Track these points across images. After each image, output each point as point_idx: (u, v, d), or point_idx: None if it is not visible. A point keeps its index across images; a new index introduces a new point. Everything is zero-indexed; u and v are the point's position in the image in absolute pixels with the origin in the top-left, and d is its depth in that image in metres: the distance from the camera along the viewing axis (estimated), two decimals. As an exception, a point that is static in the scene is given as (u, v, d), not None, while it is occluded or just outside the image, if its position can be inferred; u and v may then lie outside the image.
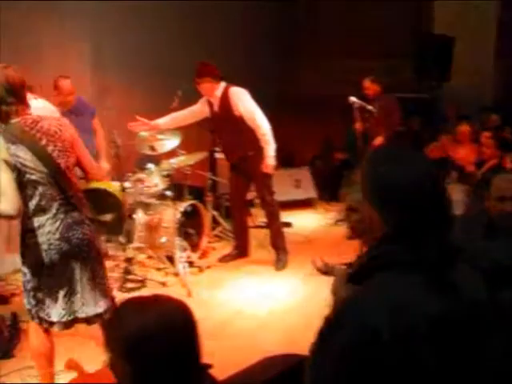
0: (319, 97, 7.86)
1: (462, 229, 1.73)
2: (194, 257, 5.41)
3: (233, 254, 5.60)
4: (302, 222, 6.84)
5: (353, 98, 5.74)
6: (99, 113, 5.40)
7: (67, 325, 3.01)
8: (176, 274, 5.08)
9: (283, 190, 7.17)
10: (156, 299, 1.57)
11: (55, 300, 2.93)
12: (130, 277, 5.00)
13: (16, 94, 2.76)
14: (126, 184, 5.10)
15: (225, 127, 5.17)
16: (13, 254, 4.47)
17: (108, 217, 3.11)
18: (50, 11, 5.40)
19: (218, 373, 1.67)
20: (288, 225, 6.55)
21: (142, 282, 4.98)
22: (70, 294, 2.95)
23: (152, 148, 5.23)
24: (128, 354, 1.46)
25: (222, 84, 5.08)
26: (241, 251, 5.59)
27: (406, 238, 1.36)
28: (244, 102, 5.05)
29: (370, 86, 6.48)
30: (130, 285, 4.91)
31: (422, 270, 1.34)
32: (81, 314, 2.98)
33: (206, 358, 1.59)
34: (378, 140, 6.25)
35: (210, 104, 5.18)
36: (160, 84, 6.28)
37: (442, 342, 1.30)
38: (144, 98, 6.41)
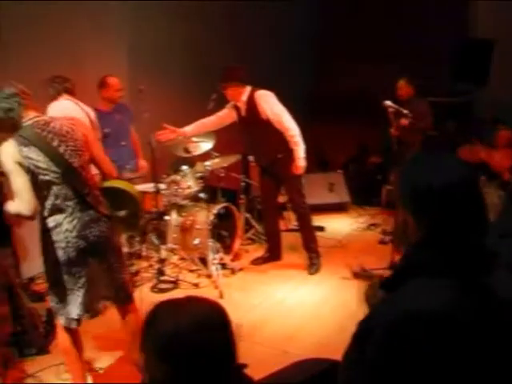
0: (354, 99, 7.82)
1: (495, 234, 1.70)
2: (227, 259, 5.43)
3: (265, 256, 5.61)
4: (335, 226, 6.80)
5: (388, 102, 5.68)
6: (135, 115, 5.47)
7: (81, 321, 3.10)
8: (208, 276, 5.12)
9: (316, 194, 7.17)
10: (190, 300, 1.58)
11: (76, 298, 3.00)
12: (162, 278, 5.06)
13: (17, 101, 2.83)
14: (161, 186, 5.17)
15: (253, 131, 5.14)
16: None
17: (123, 213, 3.15)
18: (88, 15, 5.49)
19: (250, 375, 1.67)
20: (321, 229, 6.52)
21: (175, 283, 5.01)
22: (90, 291, 3.03)
23: (186, 150, 5.28)
24: (162, 353, 1.47)
25: (248, 88, 5.06)
26: (273, 254, 5.59)
27: (441, 243, 1.35)
28: (270, 105, 5.01)
29: (403, 86, 6.40)
30: (162, 285, 4.96)
31: (456, 275, 1.33)
32: (96, 308, 3.11)
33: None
34: (403, 122, 6.11)
35: (237, 109, 5.17)
36: (195, 87, 6.33)
37: (477, 345, 1.29)
38: (179, 101, 6.47)
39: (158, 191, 5.07)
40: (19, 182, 2.76)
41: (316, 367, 2.07)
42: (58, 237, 2.91)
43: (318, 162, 8.29)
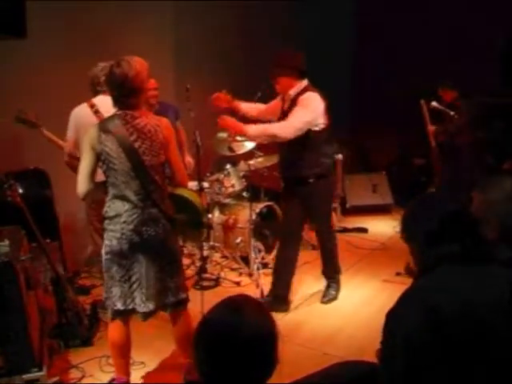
0: (397, 101, 7.72)
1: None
2: (269, 258, 5.44)
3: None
4: (378, 228, 6.74)
5: (434, 103, 5.62)
6: (182, 114, 5.53)
7: (126, 315, 3.14)
8: (250, 275, 5.14)
9: (360, 195, 7.14)
10: (248, 302, 1.61)
11: (121, 290, 3.04)
12: (204, 275, 5.09)
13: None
14: (204, 184, 5.21)
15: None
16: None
17: (182, 216, 3.18)
18: (133, 14, 5.58)
19: (288, 376, 1.68)
20: (364, 230, 6.48)
21: (216, 281, 5.05)
22: (136, 286, 3.05)
23: (230, 149, 5.31)
24: (194, 342, 1.54)
25: (303, 83, 4.18)
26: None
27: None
28: (301, 107, 4.05)
29: (446, 90, 6.24)
30: (204, 283, 4.99)
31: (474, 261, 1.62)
32: (142, 309, 3.07)
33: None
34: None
35: (283, 102, 4.35)
36: (240, 86, 6.35)
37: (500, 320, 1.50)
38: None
39: (201, 189, 5.11)
40: (82, 164, 2.99)
41: (356, 370, 2.06)
42: (115, 226, 2.99)
43: (361, 162, 8.22)
